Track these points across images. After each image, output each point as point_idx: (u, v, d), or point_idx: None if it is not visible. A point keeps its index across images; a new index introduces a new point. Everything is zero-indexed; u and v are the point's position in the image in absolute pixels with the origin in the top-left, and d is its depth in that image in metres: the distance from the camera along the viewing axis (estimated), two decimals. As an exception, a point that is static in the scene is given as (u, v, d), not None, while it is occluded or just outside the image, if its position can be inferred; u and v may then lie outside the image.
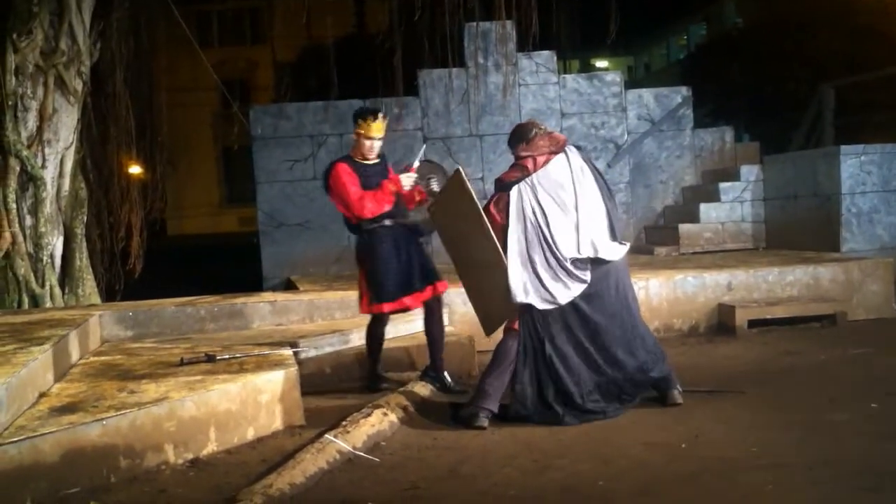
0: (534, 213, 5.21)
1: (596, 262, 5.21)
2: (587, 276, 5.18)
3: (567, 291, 5.17)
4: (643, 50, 38.43)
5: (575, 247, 5.18)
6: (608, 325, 5.22)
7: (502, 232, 5.25)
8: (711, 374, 6.28)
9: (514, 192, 5.27)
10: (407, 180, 5.87)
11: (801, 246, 10.34)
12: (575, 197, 5.22)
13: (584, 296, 5.19)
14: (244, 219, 29.67)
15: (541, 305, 5.17)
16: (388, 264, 5.90)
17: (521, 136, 5.47)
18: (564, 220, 5.19)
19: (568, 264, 5.15)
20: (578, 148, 5.54)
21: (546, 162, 5.30)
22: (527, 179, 5.27)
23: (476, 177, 11.74)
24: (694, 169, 12.57)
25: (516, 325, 5.27)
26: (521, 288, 5.17)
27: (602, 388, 5.21)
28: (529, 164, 5.32)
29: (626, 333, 5.28)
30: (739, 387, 5.74)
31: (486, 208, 5.37)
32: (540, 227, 5.19)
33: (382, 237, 5.98)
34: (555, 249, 5.16)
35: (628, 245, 5.48)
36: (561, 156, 5.31)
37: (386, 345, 6.56)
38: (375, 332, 6.11)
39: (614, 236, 5.32)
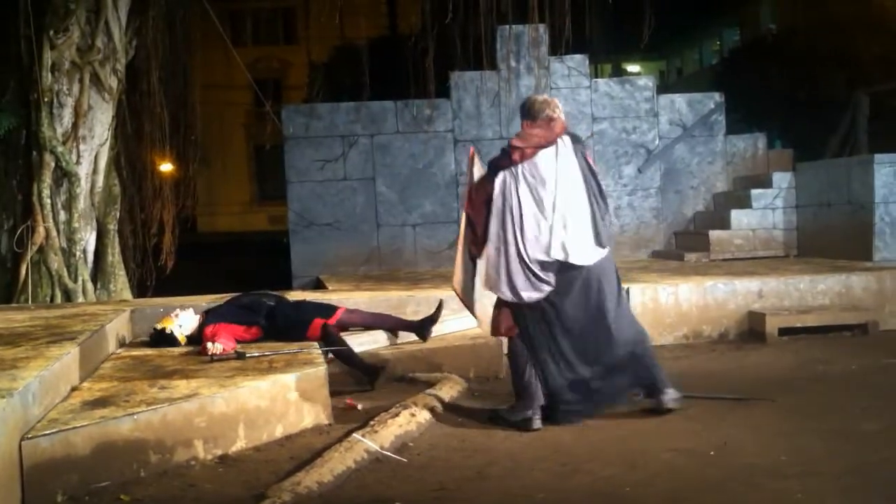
0: (511, 206, 5.16)
1: (567, 267, 5.13)
2: (551, 279, 5.12)
3: (533, 292, 5.14)
4: (675, 54, 38.20)
5: (543, 249, 5.11)
6: (578, 326, 5.18)
7: (482, 214, 5.24)
8: (741, 381, 6.23)
9: (498, 180, 5.22)
10: None
11: (833, 254, 10.26)
12: (554, 196, 5.14)
13: (555, 294, 5.14)
14: (274, 217, 29.81)
15: (508, 297, 5.17)
16: None
17: (529, 113, 5.41)
18: (539, 220, 5.13)
19: (534, 266, 5.11)
20: (576, 140, 5.35)
21: (533, 154, 5.19)
22: (512, 169, 5.20)
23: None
24: (725, 175, 12.50)
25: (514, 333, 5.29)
26: (492, 278, 5.20)
27: (574, 387, 5.19)
28: (517, 155, 5.21)
29: (599, 336, 5.20)
30: (769, 394, 5.70)
31: (468, 188, 5.41)
32: (514, 221, 5.14)
33: None
34: (521, 248, 5.12)
35: (607, 250, 5.26)
36: (550, 150, 5.20)
37: (412, 347, 6.60)
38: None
39: (598, 240, 5.18)
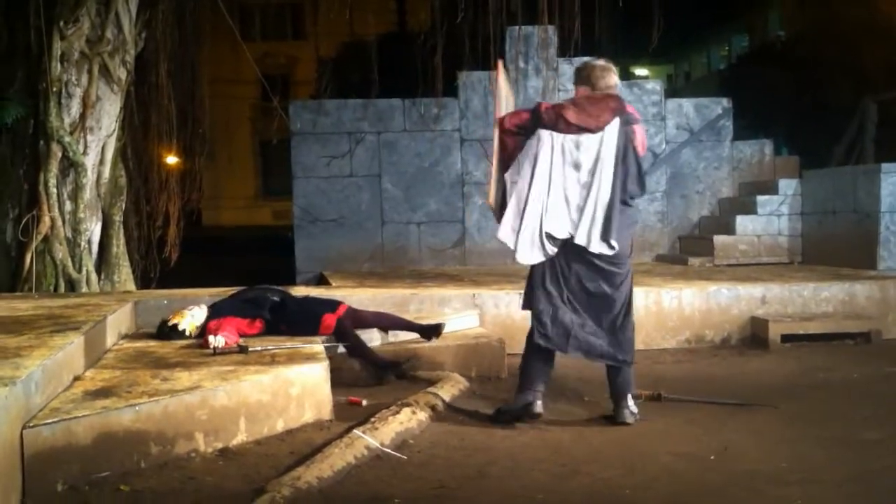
0: (543, 174, 5.14)
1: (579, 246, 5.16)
2: (557, 247, 5.18)
3: (535, 257, 5.19)
4: (683, 58, 38.16)
5: (561, 227, 5.14)
6: (581, 296, 5.22)
7: (513, 142, 5.27)
8: (743, 386, 6.23)
9: (540, 137, 5.18)
10: None
11: (838, 262, 10.25)
12: (588, 182, 5.12)
13: (565, 261, 5.20)
14: (278, 212, 29.80)
15: (511, 248, 5.23)
16: None
17: (588, 79, 5.29)
18: (567, 200, 5.14)
19: (545, 238, 5.15)
20: (626, 122, 5.18)
21: (578, 132, 5.14)
22: (554, 135, 5.15)
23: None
24: (731, 180, 12.49)
25: None
26: (507, 227, 5.24)
27: (554, 322, 5.23)
28: (562, 125, 5.15)
29: (596, 312, 5.23)
30: (771, 401, 5.70)
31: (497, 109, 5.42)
32: (540, 189, 5.14)
33: None
34: (540, 219, 5.14)
35: (616, 248, 5.19)
36: (594, 138, 5.13)
37: (415, 345, 6.62)
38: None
39: (606, 236, 5.13)
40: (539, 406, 5.22)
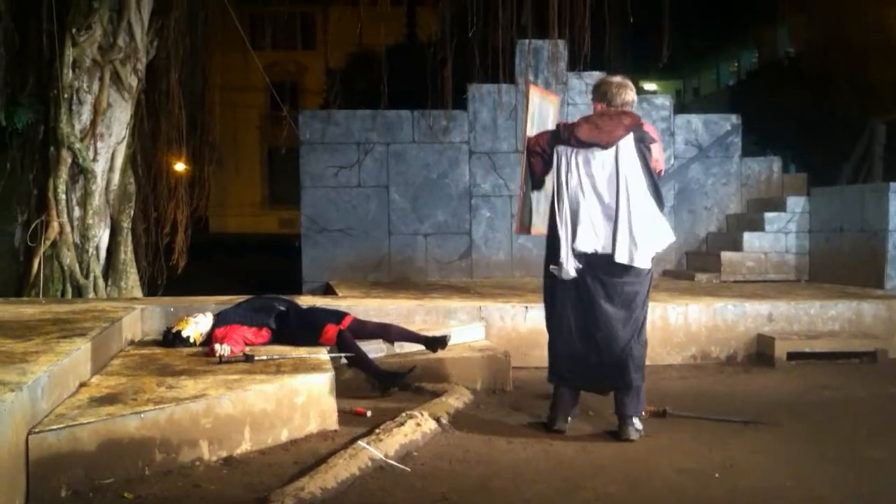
0: (566, 193, 5.22)
1: (603, 258, 5.19)
2: (578, 267, 5.22)
3: (567, 272, 5.24)
4: (692, 73, 38.13)
5: (591, 244, 5.18)
6: (607, 309, 5.23)
7: (542, 166, 5.38)
8: (748, 404, 6.22)
9: (558, 155, 5.29)
10: None
11: (845, 280, 10.24)
12: (610, 199, 5.16)
13: (590, 275, 5.23)
14: (285, 220, 29.90)
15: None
16: None
17: (605, 96, 5.37)
18: (592, 217, 5.18)
19: (573, 255, 5.21)
20: (641, 139, 5.21)
21: (589, 148, 5.19)
22: (568, 151, 5.24)
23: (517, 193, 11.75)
24: (739, 197, 12.49)
25: None
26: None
27: (573, 361, 5.34)
28: (574, 140, 5.23)
29: (619, 329, 5.25)
30: (776, 418, 5.69)
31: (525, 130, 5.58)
32: (565, 208, 5.22)
33: None
34: (568, 238, 5.21)
35: (657, 252, 5.27)
36: (607, 153, 5.17)
37: (420, 356, 6.62)
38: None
39: (637, 248, 5.16)
40: (562, 424, 5.37)
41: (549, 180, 5.40)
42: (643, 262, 5.18)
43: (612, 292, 5.22)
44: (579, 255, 5.22)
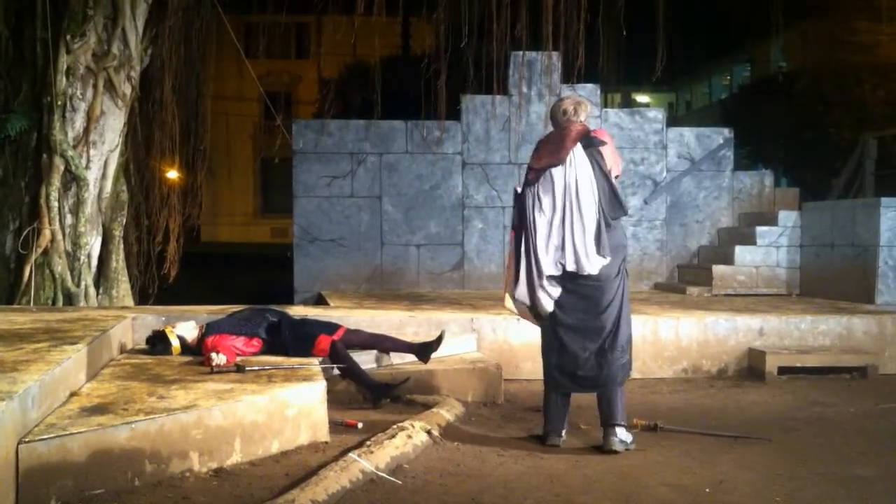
0: (529, 223, 5.35)
1: (572, 274, 5.27)
2: (557, 292, 5.31)
3: (545, 304, 5.35)
4: (685, 87, 38.33)
5: (553, 264, 5.27)
6: (580, 322, 5.33)
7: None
8: (738, 418, 6.23)
9: (526, 197, 5.42)
10: None
11: (835, 295, 10.27)
12: (563, 211, 5.25)
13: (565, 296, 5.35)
14: (277, 230, 29.88)
15: (526, 302, 5.43)
16: None
17: (553, 118, 5.53)
18: (549, 236, 5.28)
19: (544, 280, 5.29)
20: (589, 144, 5.32)
21: (544, 171, 5.33)
22: (531, 187, 5.37)
23: (511, 204, 11.75)
24: (731, 210, 12.53)
25: None
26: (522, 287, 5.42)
27: (564, 372, 5.39)
28: (531, 175, 5.41)
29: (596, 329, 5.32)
30: (766, 434, 5.70)
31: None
32: (531, 237, 5.33)
33: None
34: (537, 265, 5.30)
35: (608, 259, 5.27)
36: (559, 169, 5.27)
37: (411, 368, 6.62)
38: None
39: (599, 250, 5.24)
40: (556, 439, 5.41)
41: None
42: (592, 269, 5.23)
43: (578, 296, 5.31)
44: (551, 278, 5.32)
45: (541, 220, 5.30)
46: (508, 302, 5.57)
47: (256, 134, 34.07)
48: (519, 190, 5.54)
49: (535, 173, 5.37)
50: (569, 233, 5.23)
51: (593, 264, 5.22)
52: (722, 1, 25.02)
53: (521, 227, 5.43)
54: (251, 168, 36.09)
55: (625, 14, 11.02)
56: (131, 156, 10.52)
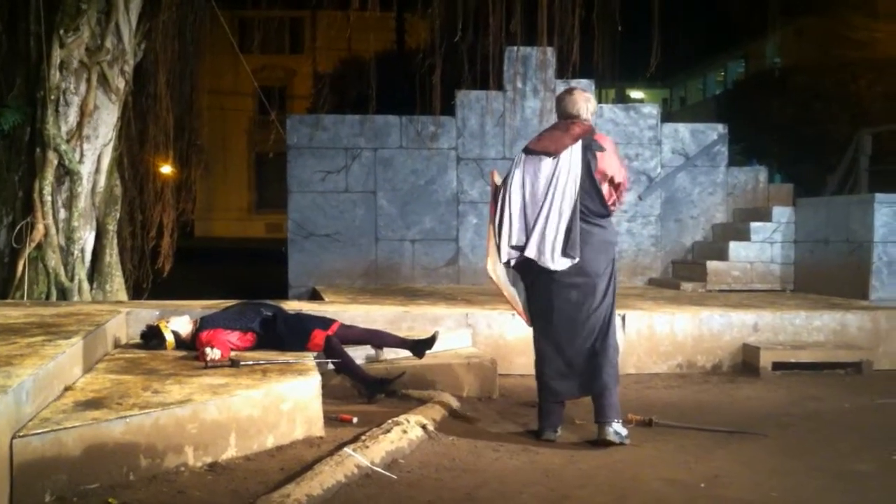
0: (508, 192, 5.39)
1: (539, 267, 5.32)
2: (514, 255, 5.38)
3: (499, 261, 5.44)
4: (680, 83, 38.39)
5: (519, 240, 5.34)
6: (564, 308, 5.34)
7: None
8: (733, 414, 6.23)
9: (517, 157, 5.53)
10: None
11: (830, 291, 10.29)
12: (542, 201, 5.28)
13: (541, 289, 5.39)
14: (271, 225, 29.84)
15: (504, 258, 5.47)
16: None
17: (557, 108, 5.58)
18: (524, 216, 5.33)
19: (512, 250, 5.38)
20: (588, 147, 5.31)
21: (538, 154, 5.36)
22: (518, 168, 5.41)
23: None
24: (725, 206, 12.53)
25: None
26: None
27: (559, 375, 5.40)
28: (524, 155, 5.46)
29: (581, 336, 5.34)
30: (761, 429, 5.70)
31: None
32: (508, 205, 5.38)
33: None
34: (508, 230, 5.37)
35: (576, 260, 5.24)
36: (551, 160, 5.30)
37: (407, 363, 6.61)
38: None
39: (566, 249, 5.23)
40: (551, 434, 5.41)
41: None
42: (555, 264, 5.25)
43: (564, 291, 5.31)
44: (514, 248, 5.37)
45: (516, 196, 5.35)
46: (490, 267, 5.55)
47: (251, 129, 34.02)
48: (496, 175, 5.60)
49: (528, 154, 5.41)
50: (542, 221, 5.26)
51: (556, 262, 5.25)
52: (717, -3, 25.07)
53: (498, 195, 5.48)
54: (246, 163, 36.05)
55: (619, 9, 11.04)
56: (125, 150, 10.50)
